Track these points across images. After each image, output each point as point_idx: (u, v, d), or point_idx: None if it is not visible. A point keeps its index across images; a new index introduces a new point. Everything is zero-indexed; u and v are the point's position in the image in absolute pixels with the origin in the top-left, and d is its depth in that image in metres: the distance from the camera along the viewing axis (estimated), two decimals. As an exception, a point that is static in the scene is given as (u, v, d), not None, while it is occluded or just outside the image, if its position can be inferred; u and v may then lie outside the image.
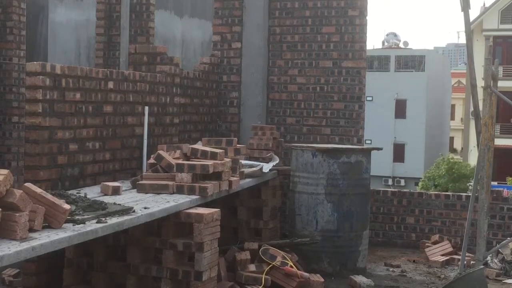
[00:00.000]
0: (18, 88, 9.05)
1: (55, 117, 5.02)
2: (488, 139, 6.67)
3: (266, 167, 6.80)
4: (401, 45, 44.15)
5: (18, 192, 3.34)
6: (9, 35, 8.98)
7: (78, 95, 5.29)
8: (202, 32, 13.15)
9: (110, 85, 5.74)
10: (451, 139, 48.23)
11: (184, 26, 12.77)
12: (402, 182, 38.41)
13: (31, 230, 3.42)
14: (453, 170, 28.80)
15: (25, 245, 3.22)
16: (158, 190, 5.05)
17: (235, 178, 5.66)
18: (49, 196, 3.65)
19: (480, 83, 7.48)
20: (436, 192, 8.53)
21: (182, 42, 12.72)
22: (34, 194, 3.59)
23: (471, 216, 6.72)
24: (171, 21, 12.28)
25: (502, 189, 9.76)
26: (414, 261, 7.48)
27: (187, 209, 4.78)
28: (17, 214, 3.28)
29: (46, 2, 9.93)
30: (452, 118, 48.20)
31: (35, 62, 4.97)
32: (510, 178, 26.94)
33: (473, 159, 30.77)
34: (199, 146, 5.68)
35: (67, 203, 3.82)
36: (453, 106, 47.60)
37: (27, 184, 3.67)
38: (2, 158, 8.95)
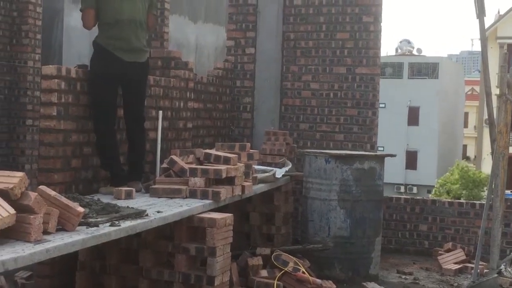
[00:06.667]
0: (33, 91, 9.09)
1: (69, 120, 5.04)
2: (503, 147, 6.62)
3: (279, 172, 6.79)
4: (415, 52, 44.03)
5: (33, 195, 3.35)
6: (25, 39, 9.04)
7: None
8: (215, 37, 13.18)
9: (125, 89, 5.74)
10: (464, 147, 48.04)
11: (198, 31, 12.79)
12: (415, 190, 38.26)
13: (45, 232, 3.43)
14: (466, 177, 28.54)
15: (39, 247, 3.22)
16: (171, 194, 5.05)
17: (248, 183, 5.66)
18: (63, 199, 3.66)
19: (494, 90, 7.43)
20: (450, 200, 8.48)
21: (196, 47, 12.74)
22: (48, 197, 3.60)
23: (485, 224, 6.68)
24: (185, 26, 12.31)
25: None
26: (426, 268, 7.45)
27: (200, 213, 4.78)
28: (32, 216, 3.29)
29: (61, 6, 9.99)
30: (466, 125, 48.02)
31: (50, 65, 4.99)
32: None
33: (486, 167, 30.60)
34: (212, 151, 5.68)
35: (81, 206, 3.83)
36: (466, 114, 47.42)
37: (41, 187, 3.68)
38: (16, 161, 8.99)
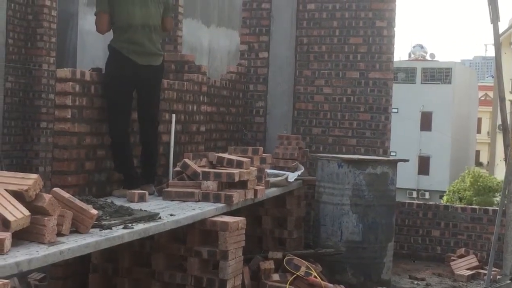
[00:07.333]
0: (47, 94, 9.14)
1: (83, 123, 5.07)
2: (517, 153, 6.59)
3: (292, 176, 6.80)
4: (428, 57, 43.90)
5: (47, 197, 3.37)
6: (40, 42, 9.09)
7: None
8: (228, 41, 13.21)
9: (138, 92, 5.77)
10: (477, 152, 47.80)
11: (211, 35, 12.83)
12: (427, 195, 38.09)
13: (59, 234, 3.45)
14: (478, 183, 28.34)
15: (53, 249, 3.24)
16: (184, 197, 5.07)
17: (260, 187, 5.67)
18: (77, 201, 3.68)
19: (508, 96, 7.41)
20: (462, 205, 8.45)
21: (209, 51, 12.78)
22: (62, 199, 3.62)
23: (498, 230, 6.65)
24: (198, 30, 12.35)
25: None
26: (439, 274, 7.42)
27: (212, 217, 4.79)
28: (46, 218, 3.31)
29: (76, 10, 10.05)
30: (479, 131, 47.78)
31: (65, 69, 5.02)
32: None
33: (499, 173, 30.42)
34: (225, 154, 5.70)
35: (94, 208, 3.85)
36: (479, 119, 47.19)
37: (55, 189, 3.70)
38: (30, 163, 9.04)
